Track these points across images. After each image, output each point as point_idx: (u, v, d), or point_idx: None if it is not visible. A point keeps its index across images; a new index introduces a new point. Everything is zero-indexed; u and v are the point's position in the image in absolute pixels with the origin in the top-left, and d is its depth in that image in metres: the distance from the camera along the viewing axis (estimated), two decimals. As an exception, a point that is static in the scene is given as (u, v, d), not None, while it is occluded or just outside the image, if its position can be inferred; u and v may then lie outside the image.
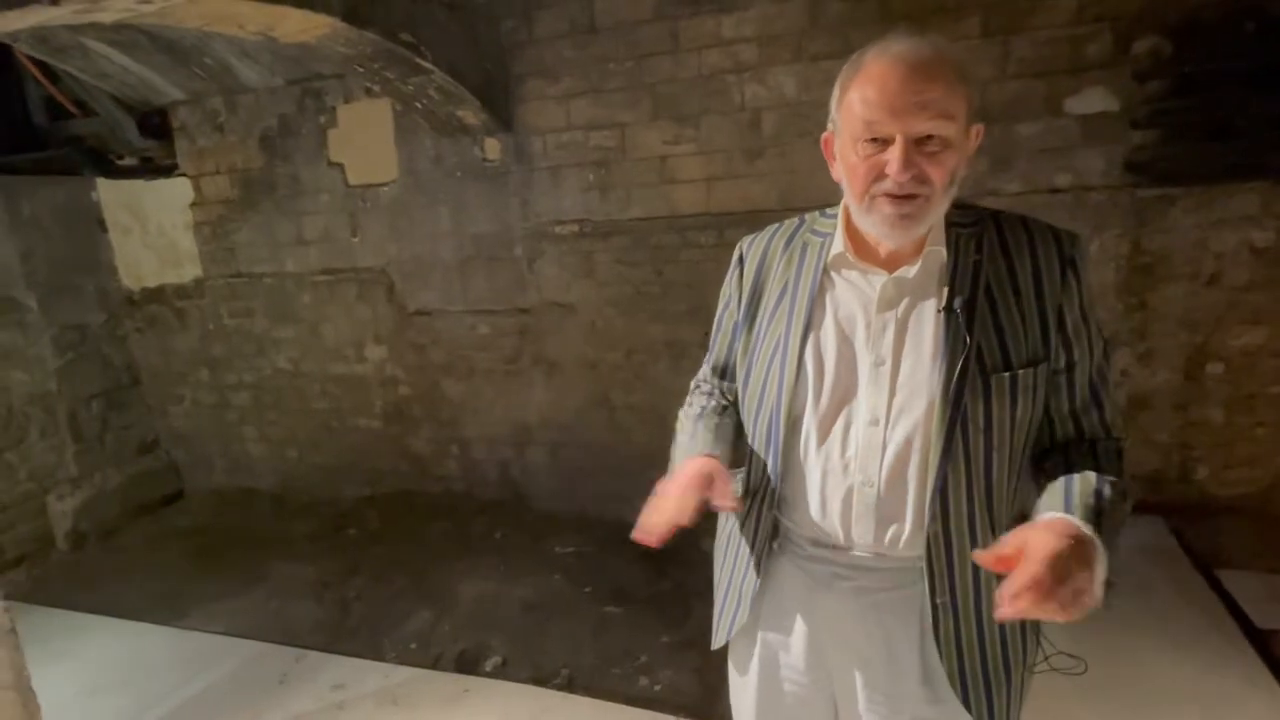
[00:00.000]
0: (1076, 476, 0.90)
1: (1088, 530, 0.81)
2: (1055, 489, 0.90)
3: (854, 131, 0.91)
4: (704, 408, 1.16)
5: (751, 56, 2.84)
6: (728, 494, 0.97)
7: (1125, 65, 2.50)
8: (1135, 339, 2.73)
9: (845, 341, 1.00)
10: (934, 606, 0.97)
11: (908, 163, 0.87)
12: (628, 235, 3.18)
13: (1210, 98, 2.46)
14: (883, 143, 0.89)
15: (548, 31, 3.07)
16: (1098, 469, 0.92)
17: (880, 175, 0.89)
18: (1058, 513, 0.85)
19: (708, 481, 0.96)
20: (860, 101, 0.89)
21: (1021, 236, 0.97)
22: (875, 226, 0.94)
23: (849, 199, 0.96)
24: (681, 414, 1.19)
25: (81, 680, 2.54)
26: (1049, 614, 0.75)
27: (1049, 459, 0.98)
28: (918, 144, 0.87)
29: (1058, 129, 2.60)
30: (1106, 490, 0.88)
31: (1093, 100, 2.55)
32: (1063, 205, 2.65)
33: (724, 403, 1.18)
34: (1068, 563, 0.76)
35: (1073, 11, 2.49)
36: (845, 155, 0.94)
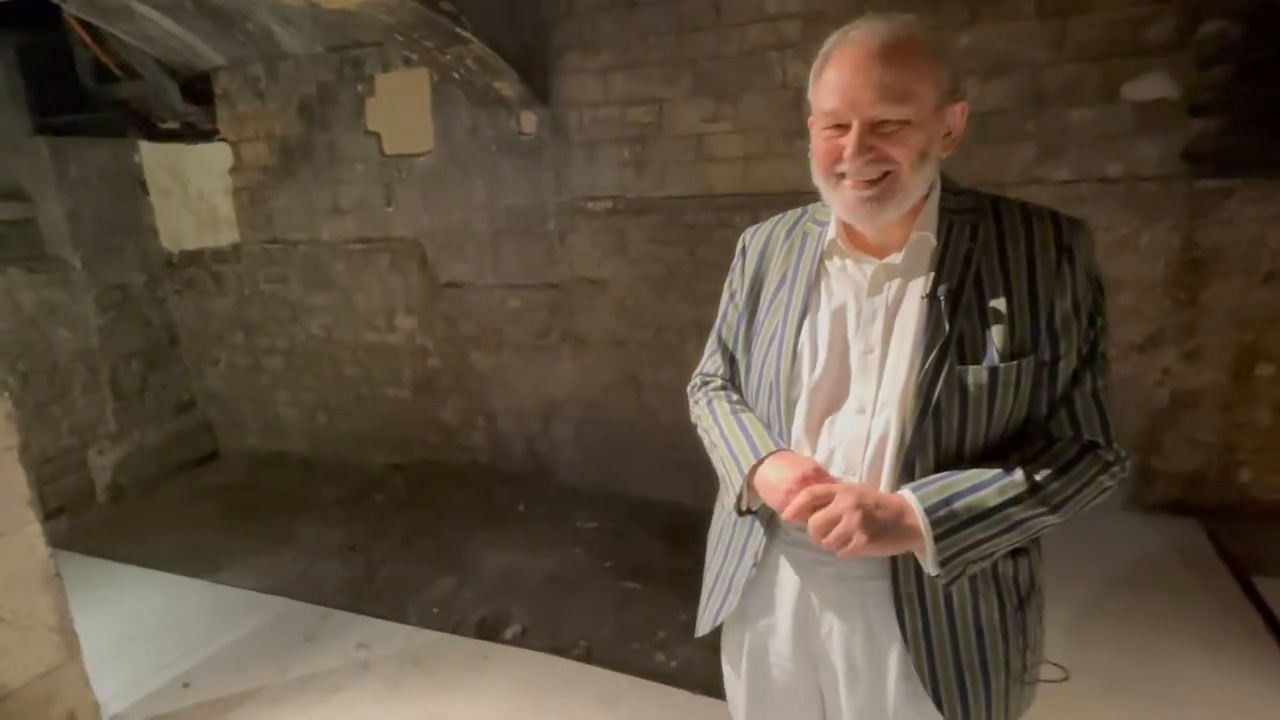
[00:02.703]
0: (991, 473, 0.90)
1: (921, 521, 0.87)
2: (969, 471, 0.91)
3: (816, 116, 0.94)
4: (734, 401, 1.13)
5: (795, 33, 2.77)
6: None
7: (1189, 49, 2.39)
8: (1182, 336, 2.65)
9: (839, 330, 0.99)
10: (897, 597, 0.95)
11: (862, 147, 0.88)
12: (662, 213, 3.15)
13: None
14: (843, 127, 0.91)
15: (588, 3, 3.03)
16: (1058, 467, 0.89)
17: (839, 158, 0.91)
18: (910, 491, 0.90)
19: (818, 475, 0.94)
20: (822, 87, 0.92)
21: (1018, 222, 0.95)
22: (842, 208, 0.96)
23: (815, 179, 0.97)
24: (704, 409, 1.15)
25: (118, 627, 2.63)
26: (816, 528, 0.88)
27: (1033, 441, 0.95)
28: (875, 127, 0.88)
29: (1113, 115, 2.51)
30: (1011, 497, 0.88)
31: (1152, 86, 2.45)
32: (1114, 195, 2.56)
33: (739, 396, 1.15)
34: (880, 524, 0.87)
35: (1136, -8, 2.39)
36: (814, 138, 0.97)
